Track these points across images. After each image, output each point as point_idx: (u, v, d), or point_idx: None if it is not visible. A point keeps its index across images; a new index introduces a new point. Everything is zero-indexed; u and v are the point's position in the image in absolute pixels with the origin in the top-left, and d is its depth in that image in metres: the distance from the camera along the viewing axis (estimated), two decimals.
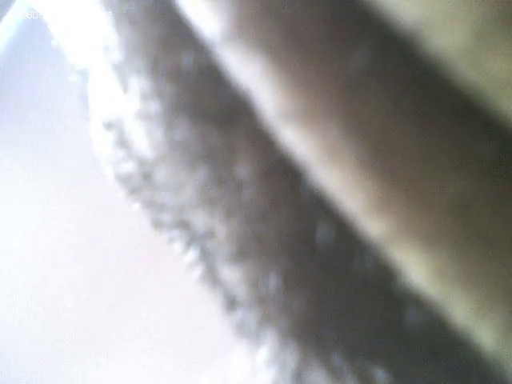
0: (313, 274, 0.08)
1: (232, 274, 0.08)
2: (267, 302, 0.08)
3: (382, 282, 0.07)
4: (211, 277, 0.09)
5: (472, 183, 0.06)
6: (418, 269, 0.06)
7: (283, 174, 0.07)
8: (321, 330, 0.08)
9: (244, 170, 0.08)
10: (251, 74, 0.06)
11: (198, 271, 0.09)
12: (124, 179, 0.10)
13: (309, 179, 0.07)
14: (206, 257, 0.09)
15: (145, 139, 0.08)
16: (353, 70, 0.06)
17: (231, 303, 0.09)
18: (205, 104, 0.08)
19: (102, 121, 0.10)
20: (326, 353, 0.08)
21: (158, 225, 0.10)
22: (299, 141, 0.06)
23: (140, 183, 0.09)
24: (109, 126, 0.10)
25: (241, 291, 0.08)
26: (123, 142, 0.09)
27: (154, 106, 0.08)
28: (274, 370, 0.09)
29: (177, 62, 0.08)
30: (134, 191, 0.10)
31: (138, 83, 0.08)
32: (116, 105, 0.09)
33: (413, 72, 0.06)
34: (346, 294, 0.08)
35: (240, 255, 0.08)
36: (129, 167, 0.09)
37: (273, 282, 0.08)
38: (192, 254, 0.09)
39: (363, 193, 0.06)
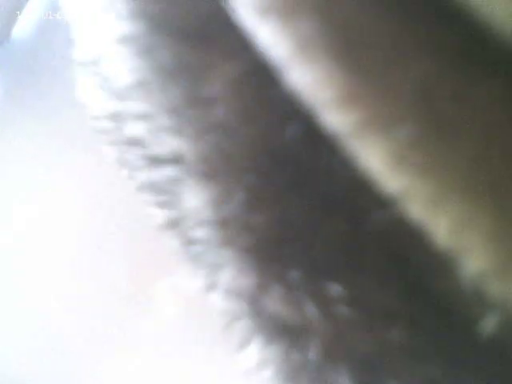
0: (277, 191, 0.08)
1: (197, 199, 0.08)
2: (229, 223, 0.08)
3: (347, 198, 0.07)
4: (174, 210, 0.09)
5: (434, 68, 0.06)
6: (379, 158, 0.06)
7: (254, 88, 0.08)
8: (280, 249, 0.08)
9: (215, 86, 0.08)
10: None
11: (160, 202, 0.09)
12: (106, 121, 0.10)
13: (278, 89, 0.07)
14: (171, 186, 0.09)
15: (122, 66, 0.09)
16: None
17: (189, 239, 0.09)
18: (183, 22, 0.08)
19: (81, 61, 0.10)
20: (284, 271, 0.08)
21: (123, 162, 0.10)
22: (275, 36, 0.07)
23: (115, 121, 0.09)
24: (87, 64, 0.10)
25: (204, 215, 0.08)
26: (102, 80, 0.09)
27: (136, 27, 0.08)
28: (231, 297, 0.09)
29: None
30: (110, 132, 0.10)
31: (121, 6, 0.08)
32: (96, 41, 0.09)
33: None
34: (309, 212, 0.08)
35: (207, 176, 0.08)
36: (109, 106, 0.09)
37: (236, 200, 0.08)
38: (156, 184, 0.09)
39: (333, 86, 0.06)
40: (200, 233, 0.08)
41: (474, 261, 0.06)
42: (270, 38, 0.07)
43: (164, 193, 0.09)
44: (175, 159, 0.08)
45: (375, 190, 0.07)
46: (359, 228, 0.07)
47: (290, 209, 0.08)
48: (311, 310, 0.08)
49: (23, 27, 0.32)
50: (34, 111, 0.34)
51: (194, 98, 0.08)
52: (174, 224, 0.09)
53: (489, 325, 0.07)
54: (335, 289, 0.07)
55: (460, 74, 0.06)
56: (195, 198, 0.08)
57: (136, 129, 0.09)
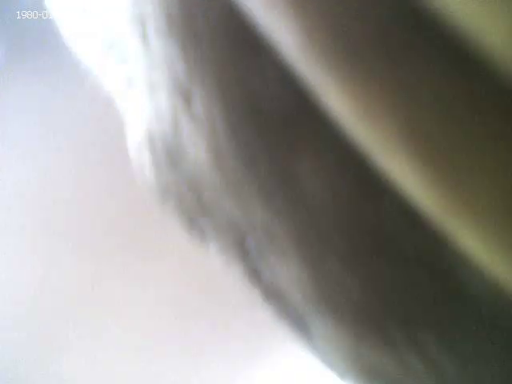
0: (367, 256, 0.08)
1: (286, 266, 0.09)
2: (323, 284, 0.08)
3: (435, 255, 0.08)
4: (254, 274, 0.09)
5: None
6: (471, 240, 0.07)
7: (343, 168, 0.08)
8: (375, 306, 0.08)
9: (302, 167, 0.08)
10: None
11: (240, 269, 0.10)
12: (167, 190, 0.10)
13: (371, 168, 0.07)
14: (255, 254, 0.09)
15: (201, 145, 0.09)
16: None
17: (276, 296, 0.09)
18: (269, 107, 0.08)
19: (144, 136, 0.10)
20: (381, 327, 0.08)
21: (196, 230, 0.10)
22: (369, 136, 0.07)
23: (187, 195, 0.10)
24: (152, 140, 0.10)
25: (296, 280, 0.09)
26: (172, 158, 0.10)
27: (219, 115, 0.08)
28: (328, 350, 0.09)
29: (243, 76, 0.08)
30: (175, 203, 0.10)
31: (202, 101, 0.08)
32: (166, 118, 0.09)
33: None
34: (399, 271, 0.08)
35: (299, 246, 0.08)
36: (177, 179, 0.10)
37: (329, 265, 0.08)
38: (238, 253, 0.09)
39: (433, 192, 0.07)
40: (293, 297, 0.09)
41: None
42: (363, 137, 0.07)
43: (248, 260, 0.09)
44: (264, 232, 0.09)
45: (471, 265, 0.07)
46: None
47: (379, 270, 0.08)
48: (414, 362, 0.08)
49: None
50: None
51: (282, 174, 0.08)
52: (273, 294, 0.09)
53: None
54: (430, 339, 0.08)
55: None
56: (283, 265, 0.09)
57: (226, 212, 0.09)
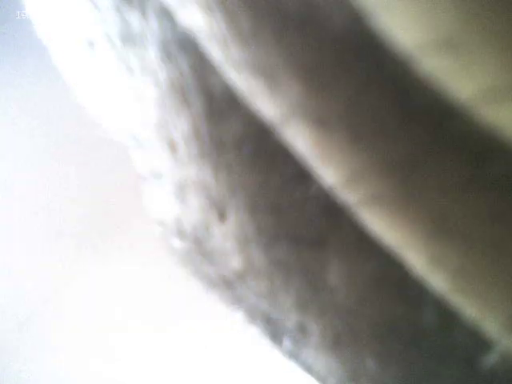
0: (401, 353, 0.09)
1: (324, 363, 0.09)
2: (359, 379, 0.09)
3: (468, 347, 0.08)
4: (293, 358, 0.10)
5: None
6: None
7: (371, 279, 0.08)
8: None
9: (334, 279, 0.08)
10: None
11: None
12: (202, 276, 0.11)
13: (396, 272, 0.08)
14: (292, 346, 0.10)
15: (237, 256, 0.09)
16: None
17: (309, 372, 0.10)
18: (299, 230, 0.08)
19: (175, 229, 0.10)
20: None
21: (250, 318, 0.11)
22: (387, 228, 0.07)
23: (222, 285, 0.10)
24: (181, 231, 0.10)
25: (336, 375, 0.09)
26: (202, 249, 0.10)
27: (251, 234, 0.09)
28: None
29: (277, 199, 0.08)
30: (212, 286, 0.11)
31: (237, 217, 0.09)
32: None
33: None
34: (431, 365, 0.09)
35: (334, 345, 0.09)
36: (211, 272, 0.10)
37: (368, 365, 0.09)
38: (277, 344, 0.10)
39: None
40: None
41: None
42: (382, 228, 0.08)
43: (286, 352, 0.10)
44: (299, 331, 0.09)
45: None
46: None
47: (413, 366, 0.09)
48: None
49: None
50: None
51: (315, 286, 0.09)
52: (306, 371, 0.10)
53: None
54: None
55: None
56: (321, 362, 0.09)
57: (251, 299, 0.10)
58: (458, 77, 0.06)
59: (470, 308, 0.07)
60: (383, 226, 0.07)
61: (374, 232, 0.07)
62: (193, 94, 0.08)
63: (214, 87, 0.08)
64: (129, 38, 0.09)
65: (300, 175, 0.08)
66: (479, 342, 0.08)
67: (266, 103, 0.07)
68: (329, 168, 0.07)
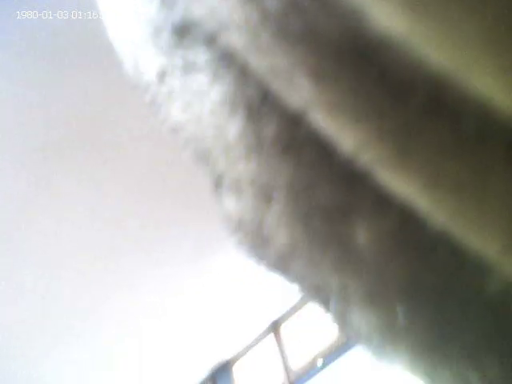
0: (427, 299, 0.10)
1: (366, 319, 0.11)
2: (397, 330, 0.10)
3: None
4: (342, 321, 0.12)
5: None
6: None
7: (391, 235, 0.10)
8: (444, 341, 0.10)
9: (362, 239, 0.10)
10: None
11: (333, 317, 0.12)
12: (264, 259, 0.12)
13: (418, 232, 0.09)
14: (339, 307, 0.11)
15: (283, 233, 0.11)
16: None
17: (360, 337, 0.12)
18: (328, 201, 0.10)
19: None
20: (447, 357, 0.10)
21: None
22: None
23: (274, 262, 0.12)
24: (242, 225, 0.12)
25: (377, 330, 0.11)
26: (261, 236, 0.12)
27: (296, 211, 0.11)
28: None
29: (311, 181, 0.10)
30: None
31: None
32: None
33: None
34: (452, 308, 0.10)
35: (371, 299, 0.10)
36: (269, 253, 0.12)
37: (399, 315, 0.10)
38: (329, 310, 0.12)
39: None
40: (374, 337, 0.11)
41: None
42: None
43: (334, 312, 0.11)
44: (342, 290, 0.11)
45: None
46: None
47: (441, 315, 0.10)
48: None
49: None
50: None
51: (347, 249, 0.10)
52: (349, 333, 0.12)
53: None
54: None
55: None
56: (361, 316, 0.11)
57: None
58: (437, 46, 0.08)
59: (472, 242, 0.09)
60: (393, 182, 0.09)
61: (389, 190, 0.09)
62: (237, 102, 0.11)
63: (252, 93, 0.10)
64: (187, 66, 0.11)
65: (324, 155, 0.10)
66: (486, 273, 0.09)
67: (291, 99, 0.09)
68: (345, 139, 0.09)
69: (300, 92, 0.09)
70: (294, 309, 2.32)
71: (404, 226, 0.09)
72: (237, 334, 2.29)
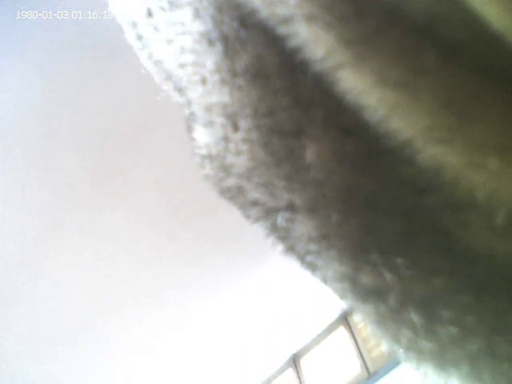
0: (359, 208, 0.12)
1: (303, 228, 0.12)
2: (331, 237, 0.12)
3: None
4: (286, 233, 0.13)
5: None
6: None
7: (335, 155, 0.12)
8: (366, 244, 0.12)
9: (310, 158, 0.12)
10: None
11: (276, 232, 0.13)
12: (224, 191, 0.14)
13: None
14: (285, 222, 0.13)
15: (246, 156, 0.13)
16: None
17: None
18: (285, 125, 0.12)
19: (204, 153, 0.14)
20: (369, 257, 0.12)
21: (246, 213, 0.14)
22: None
23: (235, 191, 0.14)
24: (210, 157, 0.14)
25: (311, 236, 0.12)
26: (224, 167, 0.13)
27: (257, 136, 0.12)
28: (336, 284, 0.13)
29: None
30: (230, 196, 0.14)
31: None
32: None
33: None
34: (379, 216, 0.11)
35: (312, 210, 0.12)
36: (229, 183, 0.14)
37: (334, 219, 0.12)
38: (276, 227, 0.13)
39: None
40: (311, 247, 0.13)
41: None
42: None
43: (280, 230, 0.13)
44: (289, 207, 0.12)
45: None
46: None
47: (372, 221, 0.12)
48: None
49: None
50: None
51: (297, 167, 0.12)
52: (290, 248, 0.13)
53: None
54: (399, 261, 0.12)
55: None
56: (302, 226, 0.12)
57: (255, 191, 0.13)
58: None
59: (403, 128, 0.10)
60: (350, 80, 0.11)
61: (342, 91, 0.11)
62: (216, 35, 0.12)
63: (230, 25, 0.12)
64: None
65: (288, 83, 0.12)
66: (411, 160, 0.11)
67: (274, 11, 0.11)
68: (317, 44, 0.11)
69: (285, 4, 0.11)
70: (315, 342, 2.22)
71: (345, 142, 0.11)
72: (258, 366, 2.25)
